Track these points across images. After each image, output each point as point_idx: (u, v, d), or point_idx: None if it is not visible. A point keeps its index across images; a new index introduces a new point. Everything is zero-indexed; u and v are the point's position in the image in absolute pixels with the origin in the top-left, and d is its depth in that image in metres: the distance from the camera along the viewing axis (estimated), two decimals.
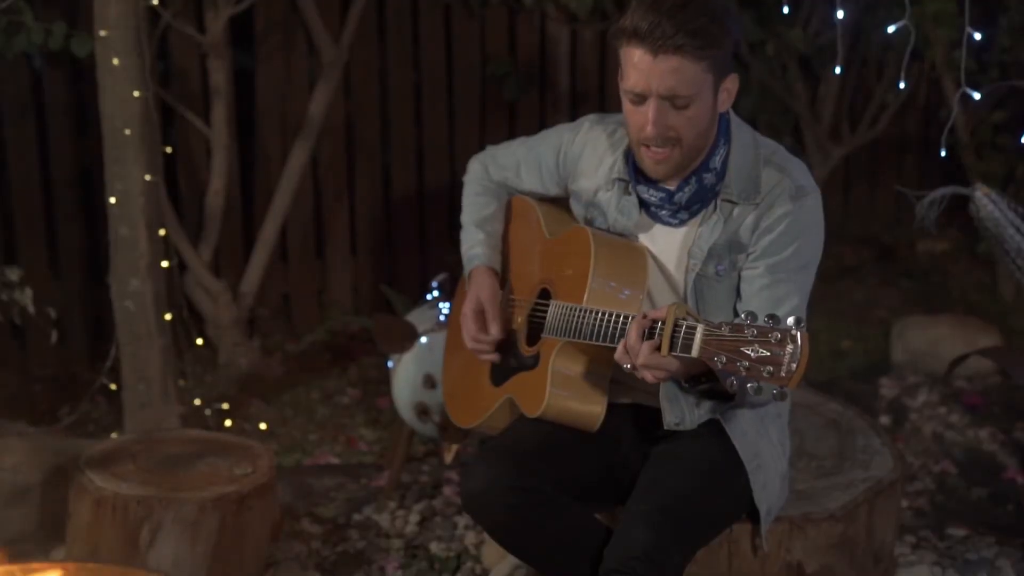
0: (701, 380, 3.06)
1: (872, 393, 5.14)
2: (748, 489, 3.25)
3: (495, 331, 3.41)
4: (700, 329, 2.77)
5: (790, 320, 2.66)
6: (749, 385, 2.69)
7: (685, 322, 2.81)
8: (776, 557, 3.42)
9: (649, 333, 2.89)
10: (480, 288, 3.48)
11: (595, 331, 3.08)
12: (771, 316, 2.68)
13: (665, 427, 3.18)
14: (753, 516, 3.32)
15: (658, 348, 2.85)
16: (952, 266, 6.23)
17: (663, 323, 2.84)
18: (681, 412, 3.17)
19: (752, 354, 2.67)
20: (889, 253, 6.39)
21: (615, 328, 3.03)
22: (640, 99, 3.04)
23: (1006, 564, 3.97)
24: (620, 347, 2.94)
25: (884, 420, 4.92)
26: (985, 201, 3.86)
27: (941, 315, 5.51)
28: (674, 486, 3.14)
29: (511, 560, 3.83)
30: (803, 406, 3.99)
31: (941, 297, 5.93)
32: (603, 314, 3.07)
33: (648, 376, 2.93)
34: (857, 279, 6.13)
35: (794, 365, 2.64)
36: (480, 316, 3.44)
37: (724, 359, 2.71)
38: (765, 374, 2.66)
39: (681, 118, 3.04)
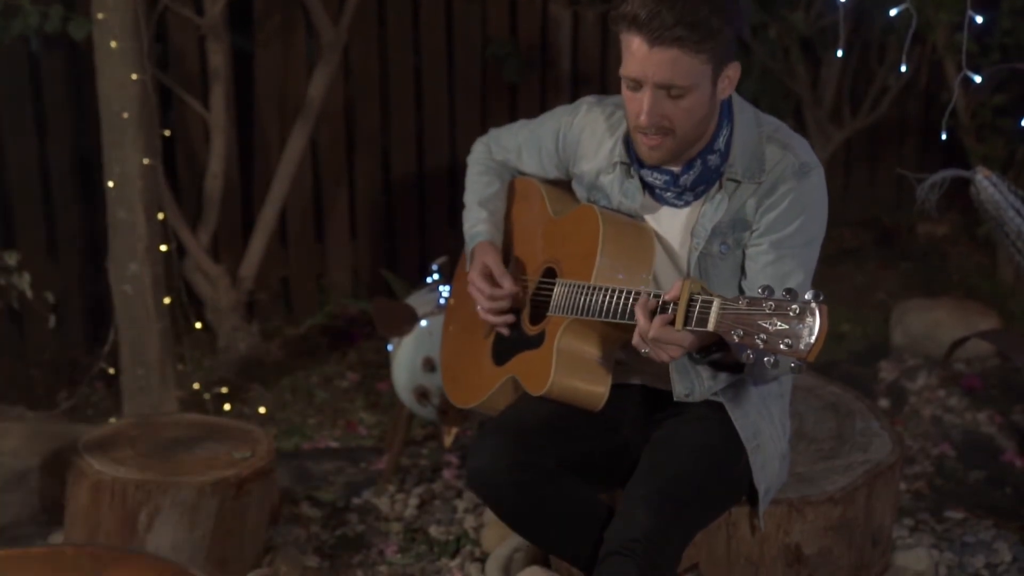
0: (711, 350, 3.06)
1: (871, 376, 5.14)
2: (748, 472, 3.25)
3: (508, 284, 3.40)
4: (716, 303, 2.77)
5: (808, 294, 2.66)
6: (766, 359, 2.69)
7: (700, 296, 2.81)
8: (774, 539, 3.43)
9: (662, 308, 2.89)
10: (484, 255, 3.47)
11: (604, 308, 3.08)
12: (788, 290, 2.68)
13: (675, 399, 3.18)
14: (752, 497, 3.32)
15: (671, 323, 2.85)
16: (952, 249, 6.22)
17: (676, 301, 2.84)
18: (691, 384, 3.17)
19: (770, 327, 2.67)
20: (889, 236, 6.39)
21: (625, 304, 3.03)
22: (636, 86, 3.05)
23: (1004, 546, 3.97)
24: (636, 332, 2.94)
25: (883, 403, 4.92)
26: (986, 184, 3.86)
27: (941, 298, 5.50)
28: (674, 469, 3.15)
29: (510, 543, 3.83)
30: (802, 389, 3.99)
31: (941, 280, 5.93)
32: (612, 290, 3.07)
33: (662, 355, 2.92)
34: (857, 262, 6.13)
35: (812, 338, 2.63)
36: (490, 277, 3.44)
37: (741, 332, 2.70)
38: (783, 347, 2.65)
39: (677, 108, 3.04)
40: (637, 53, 3.01)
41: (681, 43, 2.96)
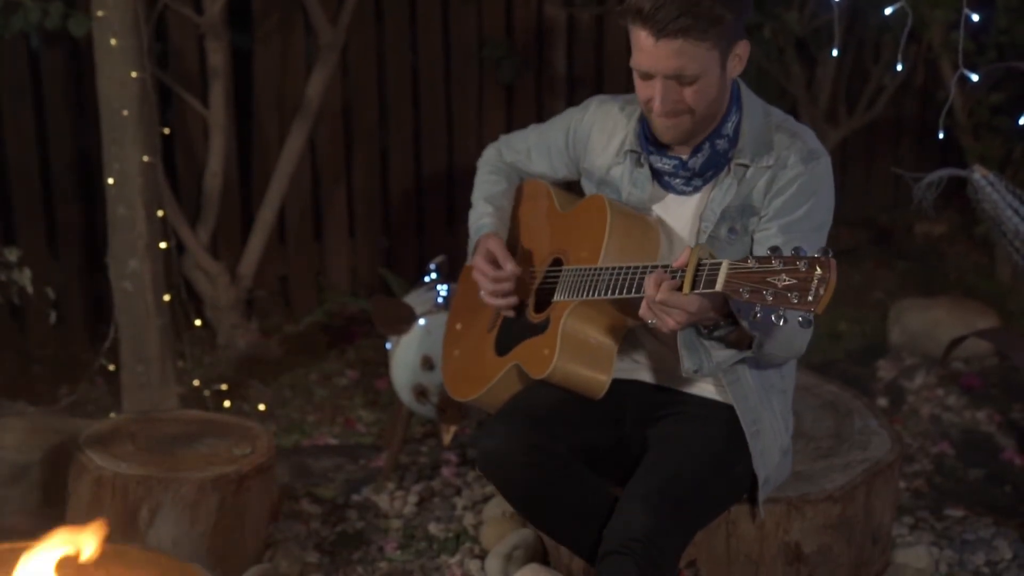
0: (719, 326, 3.07)
1: (869, 375, 5.14)
2: (747, 471, 3.27)
3: (511, 267, 3.42)
4: (725, 263, 2.78)
5: (818, 251, 2.67)
6: (774, 314, 2.69)
7: (708, 261, 2.82)
8: (774, 538, 3.43)
9: (670, 276, 2.90)
10: (488, 242, 3.49)
11: (611, 284, 3.09)
12: (796, 248, 2.69)
13: (684, 374, 3.19)
14: (752, 490, 3.33)
15: (679, 289, 2.86)
16: (950, 248, 6.23)
17: (684, 268, 2.85)
18: (699, 360, 3.17)
19: (778, 283, 2.67)
20: (887, 235, 6.39)
21: (633, 279, 3.04)
22: (648, 76, 3.08)
23: (1003, 544, 3.98)
24: (644, 302, 2.94)
25: (881, 402, 4.93)
26: (983, 183, 3.87)
27: (939, 297, 5.50)
28: (674, 468, 3.16)
29: (509, 541, 3.83)
30: (800, 388, 3.99)
31: (939, 279, 5.93)
32: (620, 267, 3.09)
33: (668, 321, 2.92)
34: (854, 261, 6.13)
35: (822, 290, 2.64)
36: (493, 262, 3.45)
37: (750, 289, 2.71)
38: (793, 299, 2.65)
39: (689, 92, 3.08)
40: (645, 46, 3.04)
41: (686, 33, 2.99)
